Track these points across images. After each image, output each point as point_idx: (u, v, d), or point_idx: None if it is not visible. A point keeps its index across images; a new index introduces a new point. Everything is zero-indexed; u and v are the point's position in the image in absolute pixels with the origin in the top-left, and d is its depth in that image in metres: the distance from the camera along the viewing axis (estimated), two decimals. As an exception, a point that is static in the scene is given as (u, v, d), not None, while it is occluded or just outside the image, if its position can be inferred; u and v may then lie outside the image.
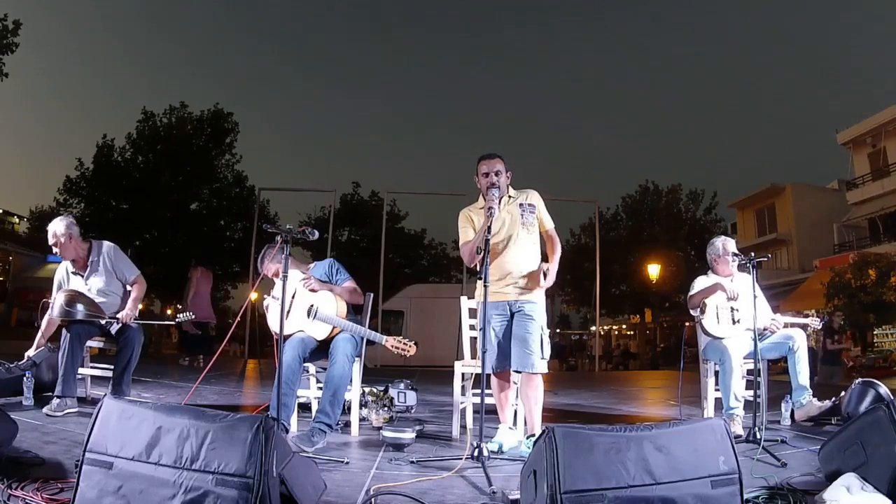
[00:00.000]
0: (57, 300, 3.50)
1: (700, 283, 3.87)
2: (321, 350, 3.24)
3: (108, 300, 3.62)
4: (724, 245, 3.84)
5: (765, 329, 3.72)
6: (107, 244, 3.71)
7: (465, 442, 3.04)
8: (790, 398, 3.81)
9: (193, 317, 3.97)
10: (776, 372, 4.00)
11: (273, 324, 3.28)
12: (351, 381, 3.30)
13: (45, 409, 3.20)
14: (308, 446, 2.74)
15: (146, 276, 3.86)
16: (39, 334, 3.72)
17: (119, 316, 3.53)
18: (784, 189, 23.57)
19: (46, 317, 3.66)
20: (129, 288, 3.73)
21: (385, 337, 3.12)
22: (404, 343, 3.08)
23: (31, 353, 3.68)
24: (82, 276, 3.65)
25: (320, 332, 3.17)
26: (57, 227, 3.56)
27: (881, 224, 20.15)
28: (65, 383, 3.29)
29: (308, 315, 3.21)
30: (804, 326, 3.93)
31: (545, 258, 3.18)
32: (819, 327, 4.12)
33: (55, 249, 3.59)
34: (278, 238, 2.74)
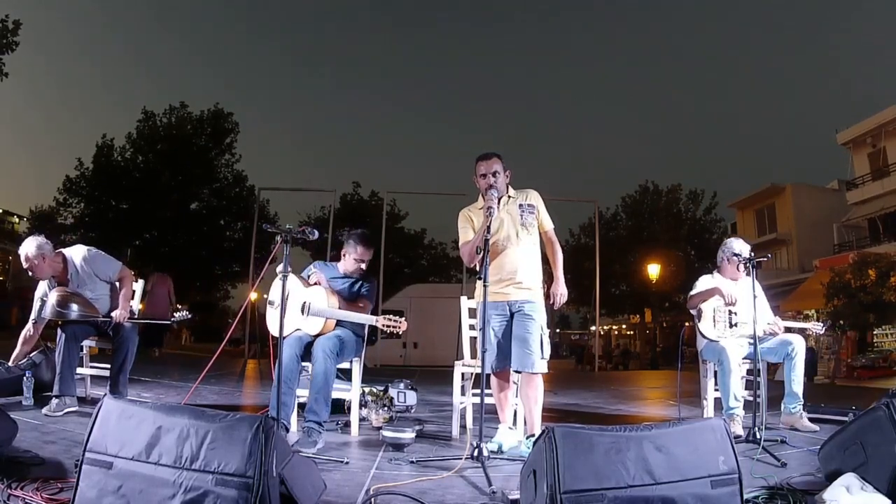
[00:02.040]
0: (49, 299, 3.46)
1: (703, 282, 3.86)
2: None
3: (99, 304, 3.60)
4: (741, 248, 3.76)
5: (764, 333, 3.71)
6: (79, 251, 3.61)
7: (464, 442, 3.04)
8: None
9: (189, 315, 3.94)
10: (775, 372, 3.99)
11: (272, 326, 3.28)
12: (350, 380, 3.31)
13: (44, 410, 3.20)
14: (310, 447, 2.74)
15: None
16: (17, 349, 3.68)
17: (113, 315, 3.52)
18: (784, 189, 23.56)
19: (28, 327, 3.66)
20: (116, 284, 3.68)
21: (376, 318, 3.13)
22: (395, 320, 3.08)
23: (8, 363, 3.64)
24: (68, 286, 3.59)
25: (314, 326, 3.17)
26: (28, 250, 3.42)
27: (881, 224, 20.13)
28: (62, 382, 3.28)
29: (302, 312, 3.22)
30: (803, 331, 3.90)
31: (545, 258, 3.18)
32: (822, 332, 4.01)
33: (30, 273, 3.47)
34: (278, 238, 2.74)
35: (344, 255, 3.49)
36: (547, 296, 3.10)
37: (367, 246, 3.45)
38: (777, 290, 18.21)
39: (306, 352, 3.18)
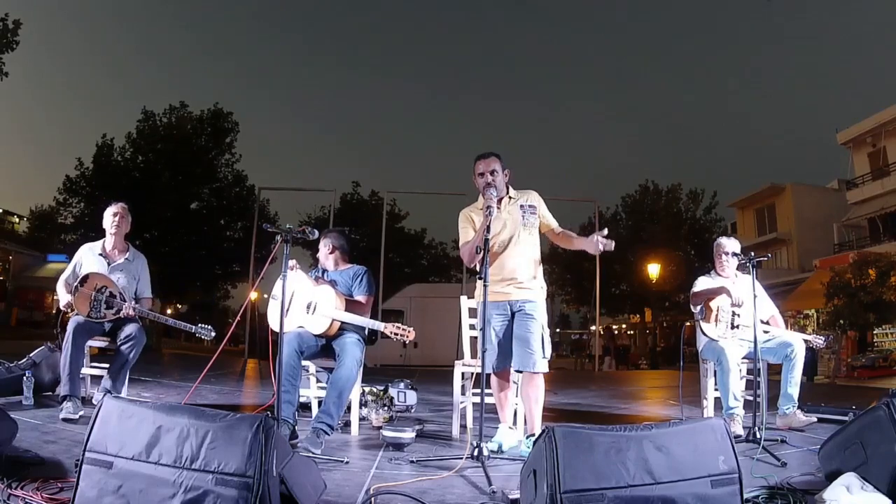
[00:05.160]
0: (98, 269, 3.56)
1: (702, 282, 3.86)
2: (323, 350, 3.24)
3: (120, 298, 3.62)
4: (724, 244, 3.85)
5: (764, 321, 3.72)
6: (143, 256, 3.85)
7: (465, 441, 3.04)
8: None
9: (212, 333, 3.64)
10: (775, 372, 3.98)
11: (272, 321, 3.28)
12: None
13: (62, 415, 3.10)
14: (316, 448, 2.73)
15: None
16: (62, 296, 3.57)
17: (124, 306, 3.49)
18: (784, 189, 23.56)
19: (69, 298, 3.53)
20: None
21: (383, 324, 3.12)
22: (402, 328, 3.07)
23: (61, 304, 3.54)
24: (108, 264, 3.66)
25: (318, 326, 3.17)
26: (122, 204, 3.75)
27: (881, 224, 20.12)
28: (72, 382, 3.23)
29: (307, 310, 3.21)
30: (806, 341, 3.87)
31: (544, 259, 3.18)
32: (823, 345, 3.92)
33: (115, 219, 3.67)
34: (278, 238, 2.74)
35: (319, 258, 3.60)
36: (593, 241, 2.86)
37: (323, 238, 3.51)
38: (777, 290, 18.20)
39: (310, 351, 3.18)
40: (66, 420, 3.08)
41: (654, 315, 25.91)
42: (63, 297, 3.55)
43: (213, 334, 3.59)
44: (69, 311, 3.52)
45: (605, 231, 2.89)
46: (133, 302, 3.57)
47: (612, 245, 2.86)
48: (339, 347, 3.13)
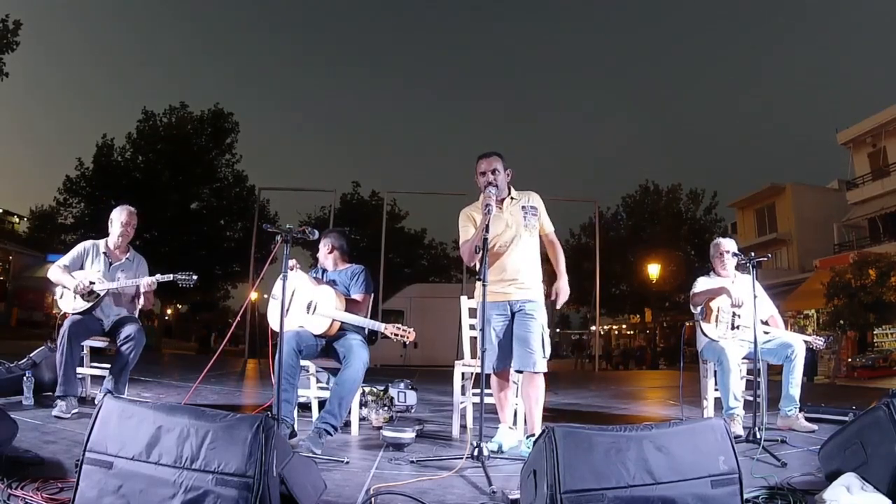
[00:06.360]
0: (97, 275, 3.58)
1: (702, 283, 3.86)
2: (323, 350, 3.23)
3: (119, 299, 3.66)
4: (722, 244, 3.88)
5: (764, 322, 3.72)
6: (142, 258, 3.88)
7: (465, 442, 3.04)
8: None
9: (194, 277, 3.67)
10: (776, 372, 3.98)
11: (272, 321, 3.28)
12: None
13: (54, 413, 3.14)
14: (317, 448, 2.73)
15: None
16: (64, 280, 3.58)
17: (97, 279, 3.53)
18: (784, 189, 23.57)
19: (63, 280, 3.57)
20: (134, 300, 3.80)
21: (384, 325, 3.11)
22: (403, 329, 3.06)
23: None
24: (110, 265, 3.69)
25: (318, 326, 3.16)
26: (131, 209, 3.77)
27: (881, 224, 20.13)
28: (66, 382, 3.25)
29: (307, 310, 3.21)
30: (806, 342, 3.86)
31: (545, 258, 3.18)
32: (823, 346, 3.90)
33: (126, 228, 3.72)
34: (278, 238, 2.74)
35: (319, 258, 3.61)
36: (548, 294, 3.09)
37: (323, 238, 3.52)
38: (777, 290, 18.19)
39: (310, 351, 3.17)
40: (56, 417, 3.11)
41: (654, 315, 25.92)
42: (60, 277, 3.56)
43: (195, 278, 3.63)
44: (80, 290, 3.54)
45: (562, 302, 3.08)
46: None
47: (562, 301, 3.07)
48: (345, 349, 3.12)
